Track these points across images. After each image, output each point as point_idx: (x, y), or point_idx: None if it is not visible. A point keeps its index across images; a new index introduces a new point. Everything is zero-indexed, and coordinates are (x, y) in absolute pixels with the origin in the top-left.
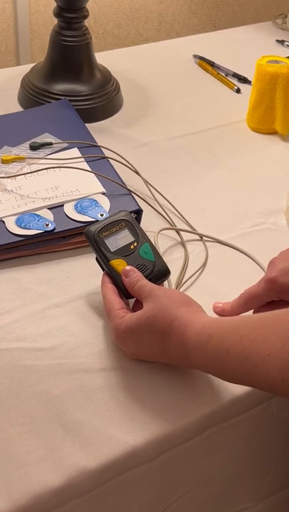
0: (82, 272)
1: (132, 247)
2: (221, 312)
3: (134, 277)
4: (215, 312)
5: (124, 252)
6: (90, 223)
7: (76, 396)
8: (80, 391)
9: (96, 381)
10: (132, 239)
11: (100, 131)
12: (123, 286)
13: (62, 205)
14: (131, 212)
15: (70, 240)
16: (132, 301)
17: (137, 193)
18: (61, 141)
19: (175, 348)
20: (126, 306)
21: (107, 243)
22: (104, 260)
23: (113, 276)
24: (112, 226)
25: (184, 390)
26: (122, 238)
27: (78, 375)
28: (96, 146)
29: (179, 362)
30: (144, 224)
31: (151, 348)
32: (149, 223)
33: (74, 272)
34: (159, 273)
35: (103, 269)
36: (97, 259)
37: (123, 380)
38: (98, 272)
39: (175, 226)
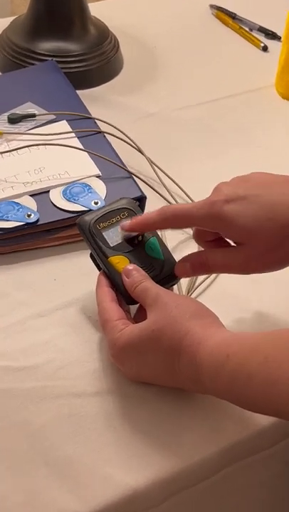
0: (72, 274)
1: (135, 241)
2: (131, 227)
3: (137, 277)
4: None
5: (126, 248)
6: (82, 213)
7: (64, 426)
8: (69, 420)
9: (89, 408)
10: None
11: (95, 99)
12: (124, 288)
13: (48, 192)
14: (134, 199)
15: (57, 234)
16: (133, 308)
17: (140, 176)
18: (47, 112)
19: (185, 369)
20: (126, 314)
21: (105, 236)
22: (101, 257)
23: (112, 277)
24: (111, 216)
25: (196, 419)
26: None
27: (67, 400)
28: (90, 118)
29: (189, 386)
30: None
31: (157, 369)
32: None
33: (62, 273)
34: (168, 275)
35: (99, 268)
36: (92, 255)
37: (122, 407)
38: (92, 273)
39: None
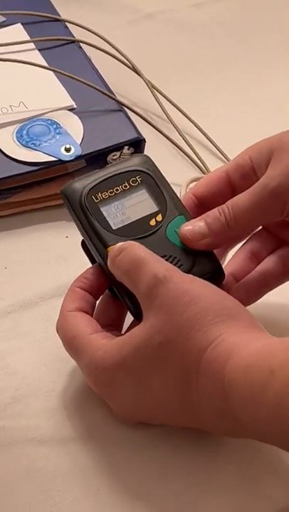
0: (34, 259)
1: (152, 222)
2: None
3: (119, 244)
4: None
5: (139, 232)
6: (47, 166)
7: (20, 487)
8: (30, 479)
9: (58, 461)
10: (153, 208)
11: None
12: (128, 294)
13: None
14: (126, 144)
15: (8, 198)
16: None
17: (135, 109)
18: None
19: (207, 397)
20: (106, 328)
21: (104, 214)
22: (96, 244)
23: (111, 275)
24: (115, 183)
25: (222, 478)
26: (136, 206)
27: (24, 449)
28: (58, 19)
29: (213, 423)
30: None
31: (164, 401)
32: (163, 169)
33: (16, 259)
34: (203, 274)
35: (93, 260)
36: (84, 243)
37: (109, 460)
38: (71, 259)
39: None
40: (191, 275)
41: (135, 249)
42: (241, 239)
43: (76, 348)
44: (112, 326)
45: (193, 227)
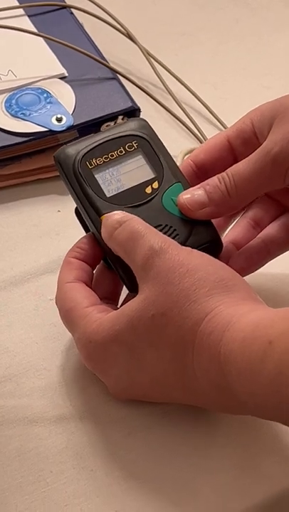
0: (23, 235)
1: (148, 190)
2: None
3: (118, 216)
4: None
5: (134, 199)
6: (38, 137)
7: (11, 468)
8: (21, 459)
9: (51, 441)
10: (149, 174)
11: None
12: (121, 264)
13: None
14: (120, 113)
15: None
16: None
17: (130, 77)
18: None
19: (204, 371)
20: (109, 305)
21: (99, 181)
22: (90, 213)
23: (104, 244)
24: (110, 148)
25: (221, 457)
26: (131, 172)
27: (16, 428)
28: None
29: (210, 398)
30: None
31: (159, 376)
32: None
33: (6, 233)
34: (200, 244)
35: (86, 229)
36: (77, 211)
37: (103, 439)
38: (63, 231)
39: None
40: (188, 247)
41: (134, 222)
42: (242, 208)
43: (71, 320)
44: (109, 298)
45: (192, 195)
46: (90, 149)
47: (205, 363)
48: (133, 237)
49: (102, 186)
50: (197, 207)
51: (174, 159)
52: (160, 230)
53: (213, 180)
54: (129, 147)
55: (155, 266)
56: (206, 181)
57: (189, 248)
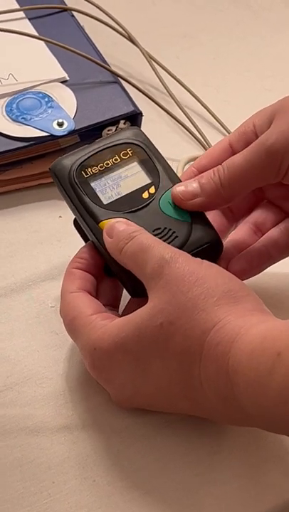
0: (24, 241)
1: (145, 195)
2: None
3: (126, 230)
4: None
5: (131, 205)
6: (39, 142)
7: (14, 479)
8: (22, 470)
9: (53, 451)
10: (146, 180)
11: None
12: (123, 270)
13: None
14: (122, 117)
15: None
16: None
17: (131, 80)
18: None
19: (211, 382)
20: (111, 311)
21: (95, 189)
22: (88, 221)
23: (105, 252)
24: (105, 157)
25: (226, 469)
26: (127, 179)
27: (17, 439)
28: None
29: (217, 410)
30: None
31: (162, 385)
32: (161, 144)
33: (6, 239)
34: (200, 245)
35: (86, 239)
36: (76, 222)
37: (106, 450)
38: (64, 239)
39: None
40: (198, 258)
41: (142, 236)
42: (234, 201)
43: (75, 329)
44: (111, 305)
45: (186, 187)
46: (85, 159)
47: (212, 373)
48: (143, 249)
49: (98, 194)
50: (189, 197)
51: (175, 165)
52: (159, 233)
53: (208, 173)
54: (124, 155)
55: (165, 275)
56: (201, 174)
57: (199, 259)
